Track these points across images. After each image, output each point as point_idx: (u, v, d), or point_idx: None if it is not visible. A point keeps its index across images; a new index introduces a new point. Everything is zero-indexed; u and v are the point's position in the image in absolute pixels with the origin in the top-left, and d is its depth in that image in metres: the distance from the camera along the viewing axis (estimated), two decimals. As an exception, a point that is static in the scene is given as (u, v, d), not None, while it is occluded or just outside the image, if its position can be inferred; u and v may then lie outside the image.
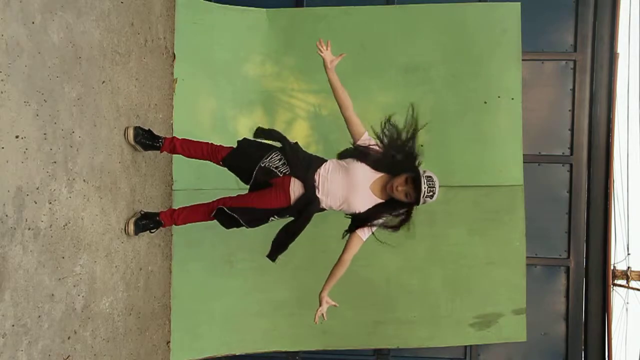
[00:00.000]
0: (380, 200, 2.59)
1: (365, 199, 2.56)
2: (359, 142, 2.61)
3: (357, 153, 2.60)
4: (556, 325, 4.44)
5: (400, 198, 2.50)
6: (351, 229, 2.65)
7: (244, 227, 2.72)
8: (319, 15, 4.10)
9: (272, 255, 2.74)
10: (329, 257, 3.99)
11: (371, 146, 2.59)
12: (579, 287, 4.40)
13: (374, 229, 2.63)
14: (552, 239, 4.41)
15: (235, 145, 2.77)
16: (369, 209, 2.58)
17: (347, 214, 2.68)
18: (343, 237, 2.69)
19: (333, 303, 2.67)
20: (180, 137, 2.90)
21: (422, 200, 2.45)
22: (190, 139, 2.89)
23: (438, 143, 3.92)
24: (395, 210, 2.58)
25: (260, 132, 2.77)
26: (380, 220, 2.61)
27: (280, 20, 4.09)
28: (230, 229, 2.77)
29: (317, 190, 2.59)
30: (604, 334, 4.40)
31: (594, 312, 4.39)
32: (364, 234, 2.63)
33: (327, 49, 2.63)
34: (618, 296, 6.98)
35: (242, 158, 2.70)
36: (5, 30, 1.91)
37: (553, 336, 4.44)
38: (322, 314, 2.65)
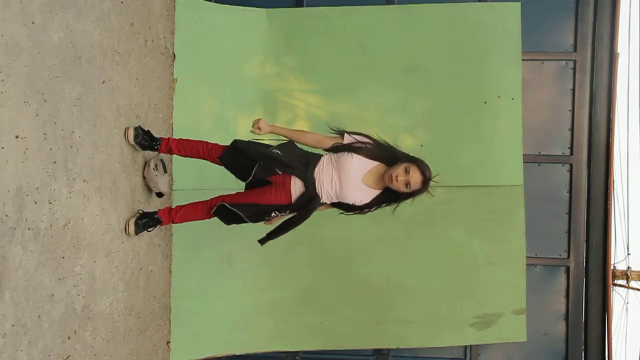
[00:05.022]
0: (377, 191, 2.61)
1: (357, 190, 2.58)
2: (346, 141, 2.63)
3: (350, 147, 2.61)
4: (556, 325, 4.43)
5: (399, 188, 2.50)
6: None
7: (244, 224, 2.73)
8: (319, 15, 4.10)
9: (264, 241, 2.78)
10: (329, 257, 4.02)
11: (359, 140, 2.63)
12: (579, 287, 4.40)
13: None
14: (552, 239, 4.41)
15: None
16: (370, 201, 2.60)
17: (343, 207, 2.69)
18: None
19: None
20: (175, 138, 2.92)
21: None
22: (185, 138, 2.90)
23: (438, 143, 3.92)
24: (396, 199, 2.61)
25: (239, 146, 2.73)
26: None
27: (280, 20, 4.09)
28: (231, 225, 2.78)
29: (317, 187, 2.61)
30: (604, 334, 4.40)
31: (594, 312, 4.39)
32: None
33: (258, 125, 2.74)
34: (618, 296, 6.97)
35: (240, 154, 2.70)
36: (5, 30, 1.91)
37: (553, 336, 4.44)
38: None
